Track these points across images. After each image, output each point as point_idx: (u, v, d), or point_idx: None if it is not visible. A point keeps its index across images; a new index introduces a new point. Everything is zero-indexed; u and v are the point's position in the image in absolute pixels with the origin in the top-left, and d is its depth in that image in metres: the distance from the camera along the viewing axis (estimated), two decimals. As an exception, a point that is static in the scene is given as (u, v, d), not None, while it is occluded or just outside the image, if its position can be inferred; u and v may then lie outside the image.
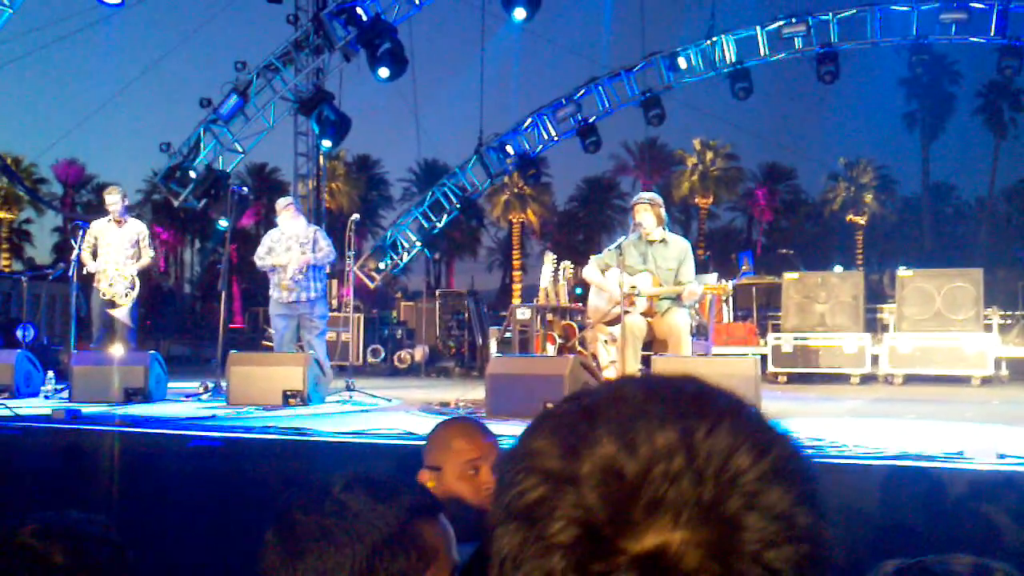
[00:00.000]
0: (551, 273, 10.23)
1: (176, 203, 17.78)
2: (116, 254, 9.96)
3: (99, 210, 10.42)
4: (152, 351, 8.70)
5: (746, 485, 0.69)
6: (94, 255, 10.00)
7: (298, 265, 9.23)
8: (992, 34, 15.75)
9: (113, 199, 10.13)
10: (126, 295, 9.95)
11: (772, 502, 0.70)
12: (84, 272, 9.95)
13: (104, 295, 9.91)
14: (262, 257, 9.51)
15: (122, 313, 9.94)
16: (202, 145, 17.01)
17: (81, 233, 9.84)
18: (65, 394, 8.28)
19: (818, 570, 0.71)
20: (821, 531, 0.72)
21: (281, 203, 9.76)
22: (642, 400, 0.75)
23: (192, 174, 16.88)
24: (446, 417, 3.53)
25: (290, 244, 9.38)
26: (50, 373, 9.01)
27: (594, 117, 19.10)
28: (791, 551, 0.69)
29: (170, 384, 8.68)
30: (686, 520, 0.68)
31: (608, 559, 0.69)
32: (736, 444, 0.71)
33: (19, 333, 12.42)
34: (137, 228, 10.26)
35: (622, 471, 0.70)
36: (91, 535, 1.91)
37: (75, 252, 9.72)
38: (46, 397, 8.53)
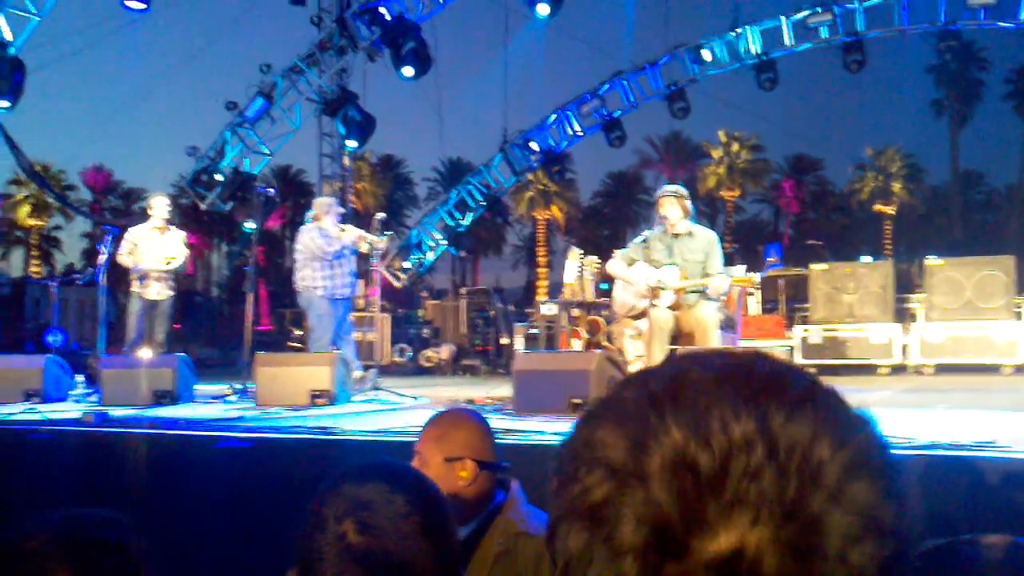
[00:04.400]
0: (576, 268, 10.21)
1: (203, 206, 17.88)
2: (158, 261, 10.19)
3: (126, 215, 10.57)
4: (180, 354, 8.74)
5: (829, 479, 0.65)
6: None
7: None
8: (1021, 18, 15.55)
9: (165, 204, 10.43)
10: (170, 291, 10.36)
11: (856, 497, 0.65)
12: (133, 276, 10.20)
13: (158, 296, 10.20)
14: (331, 241, 9.59)
15: (167, 308, 10.33)
16: (228, 148, 17.11)
17: (110, 238, 9.93)
18: (94, 398, 8.33)
19: (903, 565, 0.67)
20: (905, 525, 0.68)
21: (331, 204, 9.96)
22: (713, 384, 0.69)
23: (218, 177, 16.98)
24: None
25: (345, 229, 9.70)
26: (79, 377, 9.09)
27: (618, 111, 19.08)
28: (876, 548, 0.65)
29: (197, 387, 8.70)
30: (767, 518, 0.64)
31: (682, 560, 0.64)
32: (817, 433, 0.66)
33: (49, 338, 12.55)
34: (180, 235, 10.59)
35: (695, 465, 0.65)
36: (100, 542, 1.90)
37: (103, 257, 9.82)
38: (75, 401, 8.58)
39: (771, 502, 0.64)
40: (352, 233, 9.63)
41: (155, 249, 10.25)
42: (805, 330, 11.85)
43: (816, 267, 12.31)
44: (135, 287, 10.26)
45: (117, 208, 56.56)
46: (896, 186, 54.91)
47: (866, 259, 14.60)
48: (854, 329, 11.55)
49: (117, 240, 10.13)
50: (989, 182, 59.16)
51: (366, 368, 9.81)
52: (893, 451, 0.71)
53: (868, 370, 11.28)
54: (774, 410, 0.67)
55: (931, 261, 11.73)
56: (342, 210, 9.87)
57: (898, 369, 11.28)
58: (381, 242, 9.71)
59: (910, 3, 16.43)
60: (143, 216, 10.76)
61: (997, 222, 54.17)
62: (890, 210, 55.11)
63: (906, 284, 12.95)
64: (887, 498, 0.67)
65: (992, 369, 10.80)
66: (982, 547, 1.14)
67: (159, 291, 10.27)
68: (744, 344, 9.53)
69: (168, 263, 10.28)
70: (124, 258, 10.20)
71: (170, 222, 10.59)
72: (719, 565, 0.64)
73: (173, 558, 4.49)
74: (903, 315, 12.37)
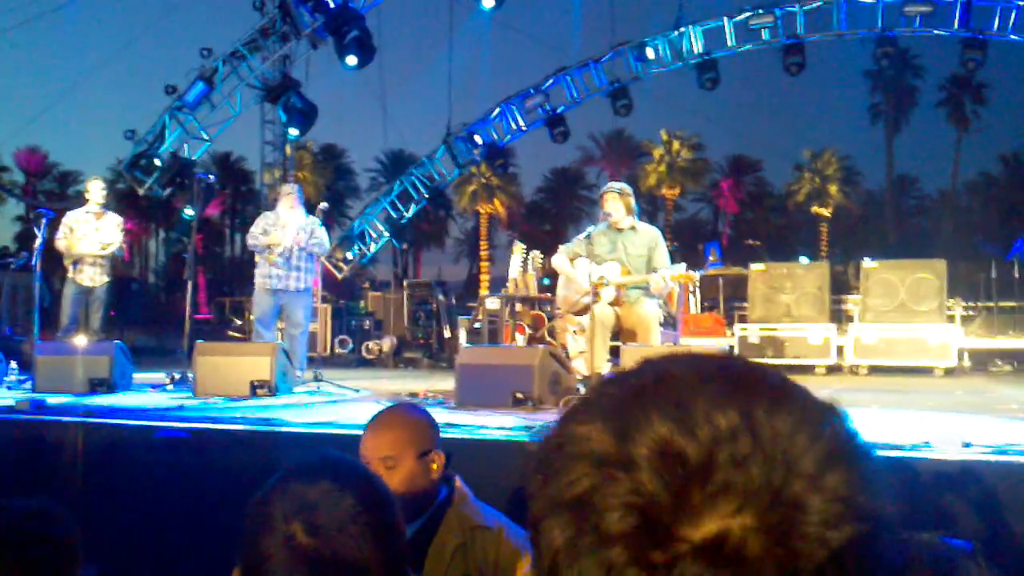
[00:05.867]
0: (520, 263, 10.22)
1: (141, 192, 17.60)
2: (93, 245, 10.07)
3: (61, 198, 10.43)
4: (117, 341, 8.60)
5: (808, 467, 0.68)
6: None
7: (291, 242, 9.24)
8: (956, 27, 15.91)
9: (101, 188, 10.38)
10: (106, 277, 10.28)
11: (833, 484, 0.68)
12: (67, 261, 10.05)
13: (92, 282, 10.12)
14: (256, 236, 9.46)
15: (103, 294, 10.24)
16: (167, 133, 16.85)
17: (45, 222, 9.71)
18: (28, 384, 8.16)
19: (877, 547, 0.70)
20: (880, 509, 0.71)
21: (285, 188, 9.87)
22: (694, 380, 0.72)
23: (157, 162, 16.72)
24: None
25: (287, 225, 9.45)
26: (13, 363, 8.90)
27: (562, 107, 19.13)
28: (853, 531, 0.68)
29: (135, 375, 8.56)
30: (752, 505, 0.66)
31: (669, 547, 0.66)
32: (796, 424, 0.70)
33: (-20, 323, 12.26)
34: (116, 220, 10.47)
35: (683, 454, 0.67)
36: (32, 534, 1.88)
37: (38, 241, 9.61)
38: (9, 388, 8.41)
39: (757, 489, 0.67)
40: (270, 239, 9.42)
41: (90, 234, 10.14)
42: (743, 329, 12.01)
43: (754, 267, 12.47)
44: (69, 272, 10.13)
45: (51, 191, 55.51)
46: (832, 189, 55.76)
47: (803, 260, 14.85)
48: (791, 329, 11.73)
49: (53, 224, 9.95)
50: (922, 187, 60.59)
51: (310, 361, 9.77)
52: (863, 441, 0.75)
53: (805, 369, 11.45)
54: (756, 404, 0.70)
55: (867, 263, 11.94)
56: (285, 189, 9.80)
57: (833, 369, 11.47)
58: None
59: (849, 8, 16.72)
60: (80, 200, 10.62)
61: (930, 227, 55.36)
62: (826, 212, 55.96)
63: (842, 285, 13.18)
64: (862, 484, 0.70)
65: (924, 371, 11.03)
66: (909, 546, 1.17)
67: (93, 277, 10.15)
68: (684, 342, 9.63)
69: (104, 249, 10.15)
70: (60, 242, 10.08)
71: (106, 207, 10.44)
72: (704, 550, 0.66)
73: (109, 550, 4.43)
74: (839, 316, 12.60)
